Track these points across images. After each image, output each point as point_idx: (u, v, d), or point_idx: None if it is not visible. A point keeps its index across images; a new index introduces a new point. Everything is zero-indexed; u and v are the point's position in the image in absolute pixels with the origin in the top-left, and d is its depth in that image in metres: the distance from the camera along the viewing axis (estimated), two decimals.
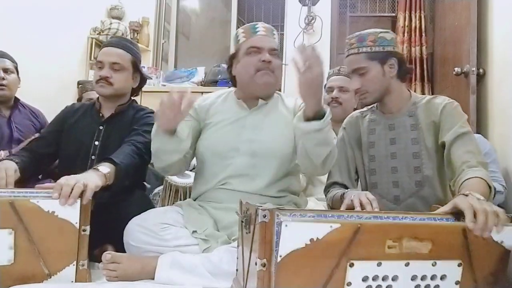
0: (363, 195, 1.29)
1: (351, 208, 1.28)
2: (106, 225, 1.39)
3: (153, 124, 1.68)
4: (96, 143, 1.69)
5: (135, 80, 1.80)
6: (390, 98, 1.53)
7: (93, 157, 1.67)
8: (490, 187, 1.24)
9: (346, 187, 1.56)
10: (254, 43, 1.57)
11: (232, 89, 1.71)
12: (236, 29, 4.05)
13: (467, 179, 1.26)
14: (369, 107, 1.65)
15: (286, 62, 3.57)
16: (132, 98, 1.85)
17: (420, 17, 3.63)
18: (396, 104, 1.54)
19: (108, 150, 1.62)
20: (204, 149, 1.58)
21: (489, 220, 0.96)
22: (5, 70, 2.12)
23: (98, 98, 1.81)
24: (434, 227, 0.98)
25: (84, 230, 1.22)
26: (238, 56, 1.60)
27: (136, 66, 1.78)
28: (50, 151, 1.73)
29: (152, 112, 1.77)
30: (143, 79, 1.84)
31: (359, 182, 1.65)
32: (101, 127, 1.72)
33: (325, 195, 1.62)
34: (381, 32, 1.50)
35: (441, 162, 1.45)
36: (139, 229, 1.41)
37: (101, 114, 1.75)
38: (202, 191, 1.58)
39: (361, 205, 1.26)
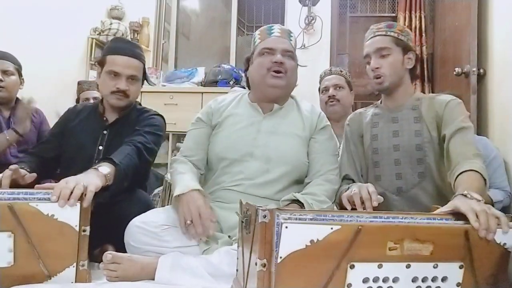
0: (364, 189, 1.31)
1: (351, 201, 1.32)
2: (106, 225, 1.38)
3: (155, 125, 1.70)
4: (100, 147, 1.68)
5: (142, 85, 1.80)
6: (398, 90, 1.57)
7: (96, 161, 1.63)
8: (485, 179, 1.27)
9: (354, 182, 1.59)
10: (267, 44, 1.58)
11: (247, 91, 1.71)
12: (236, 29, 4.08)
13: (462, 172, 1.29)
14: (374, 103, 1.69)
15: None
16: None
17: (420, 17, 3.63)
18: (402, 98, 1.58)
19: (111, 154, 1.61)
20: (218, 152, 1.57)
21: (490, 221, 0.97)
22: (5, 72, 2.10)
23: (102, 101, 1.77)
24: (436, 229, 0.97)
25: (84, 231, 1.21)
26: (253, 58, 1.62)
27: (145, 73, 1.77)
28: (55, 155, 1.72)
29: (156, 114, 1.77)
30: (144, 82, 1.83)
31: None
32: (105, 132, 1.70)
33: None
34: (406, 28, 1.62)
35: (442, 154, 1.47)
36: (140, 230, 1.41)
37: (105, 118, 1.74)
38: (211, 191, 1.57)
39: (362, 201, 1.29)
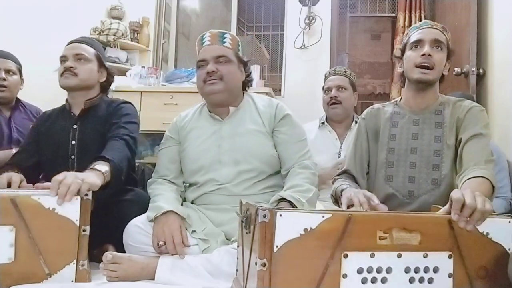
0: (361, 194, 1.30)
1: (351, 206, 1.29)
2: (106, 225, 1.39)
3: (129, 114, 1.72)
4: (73, 142, 1.69)
5: (101, 74, 1.78)
6: (430, 91, 1.53)
7: (72, 156, 1.67)
8: (493, 186, 1.26)
9: (354, 178, 1.58)
10: (200, 56, 1.61)
11: (205, 102, 1.72)
12: (236, 29, 4.08)
13: (470, 178, 1.27)
14: (392, 101, 1.66)
15: (286, 62, 3.59)
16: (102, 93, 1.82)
17: (420, 17, 3.63)
18: (427, 100, 1.54)
19: (86, 147, 1.63)
20: (189, 166, 1.61)
21: (474, 216, 0.98)
22: (7, 71, 2.10)
23: (66, 99, 1.80)
24: (421, 218, 1.02)
25: (84, 230, 1.22)
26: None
27: (100, 60, 1.78)
28: (34, 162, 1.73)
29: (125, 102, 1.78)
30: (110, 75, 1.82)
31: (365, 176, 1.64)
32: (75, 126, 1.71)
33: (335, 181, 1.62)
34: None
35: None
36: (139, 231, 1.42)
37: (72, 114, 1.75)
38: (194, 197, 1.61)
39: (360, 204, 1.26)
